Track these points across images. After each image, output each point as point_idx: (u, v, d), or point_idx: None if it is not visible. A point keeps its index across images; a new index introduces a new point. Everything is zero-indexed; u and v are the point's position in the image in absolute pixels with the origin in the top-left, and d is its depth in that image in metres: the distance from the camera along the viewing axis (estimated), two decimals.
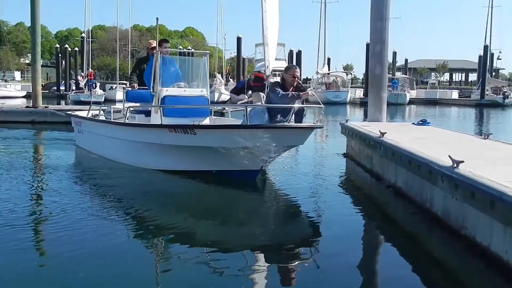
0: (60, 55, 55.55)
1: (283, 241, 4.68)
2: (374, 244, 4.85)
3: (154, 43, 9.04)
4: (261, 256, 4.28)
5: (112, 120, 9.02)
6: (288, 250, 4.42)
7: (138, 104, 8.90)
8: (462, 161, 4.60)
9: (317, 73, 47.86)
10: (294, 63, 53.99)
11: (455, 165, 4.61)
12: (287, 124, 7.02)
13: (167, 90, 8.09)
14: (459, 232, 4.48)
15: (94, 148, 9.76)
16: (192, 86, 8.63)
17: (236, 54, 48.71)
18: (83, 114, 10.86)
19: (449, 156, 4.73)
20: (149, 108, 8.41)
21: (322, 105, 7.21)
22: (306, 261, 4.21)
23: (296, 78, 7.44)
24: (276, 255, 4.29)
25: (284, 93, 7.14)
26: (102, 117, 9.86)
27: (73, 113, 11.82)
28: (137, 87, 9.17)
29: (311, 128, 6.95)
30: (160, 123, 7.45)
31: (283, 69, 7.86)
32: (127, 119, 8.39)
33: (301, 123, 7.17)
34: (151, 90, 8.22)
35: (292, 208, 6.16)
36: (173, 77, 8.54)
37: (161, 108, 7.63)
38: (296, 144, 7.41)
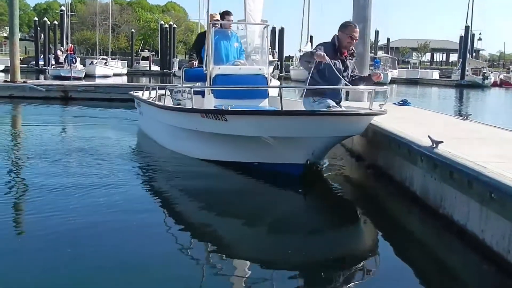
0: (39, 28, 54.53)
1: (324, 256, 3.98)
2: (353, 222, 4.91)
3: (217, 16, 8.22)
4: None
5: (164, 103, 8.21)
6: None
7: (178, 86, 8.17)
8: (441, 142, 4.66)
9: (300, 51, 47.53)
10: (277, 41, 53.75)
11: (434, 145, 4.66)
12: (337, 110, 5.73)
13: (219, 68, 7.20)
14: (437, 211, 4.55)
15: (147, 131, 9.09)
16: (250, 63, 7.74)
17: None
18: (147, 94, 9.43)
19: (429, 136, 4.78)
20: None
21: (387, 87, 6.38)
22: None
23: (354, 41, 6.15)
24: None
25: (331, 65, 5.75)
26: (168, 98, 8.69)
27: (134, 93, 10.87)
28: (197, 64, 8.17)
29: (370, 115, 5.83)
30: (212, 105, 6.58)
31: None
32: (184, 100, 7.67)
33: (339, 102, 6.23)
34: (204, 68, 7.41)
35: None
36: (235, 54, 7.73)
37: (210, 88, 6.92)
38: (351, 134, 6.21)
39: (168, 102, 8.42)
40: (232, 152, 6.22)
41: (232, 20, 8.06)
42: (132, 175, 6.26)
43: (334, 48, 6.06)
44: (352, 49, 6.25)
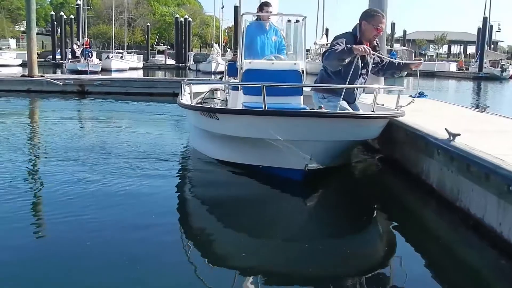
0: (55, 22, 55.01)
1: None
2: (368, 217, 4.89)
3: (264, 7, 7.43)
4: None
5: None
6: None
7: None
8: (458, 134, 4.62)
9: (315, 43, 47.51)
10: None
11: (451, 138, 4.63)
12: (328, 112, 5.01)
13: (250, 62, 6.74)
14: (454, 204, 4.52)
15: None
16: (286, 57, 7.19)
17: (233, 23, 48.28)
18: (199, 89, 8.66)
19: (445, 129, 4.75)
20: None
21: (403, 88, 5.96)
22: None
23: (381, 33, 5.49)
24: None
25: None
26: (221, 93, 8.34)
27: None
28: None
29: (383, 118, 5.39)
30: (241, 102, 6.22)
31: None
32: (225, 95, 7.33)
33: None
34: (237, 63, 6.96)
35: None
36: (272, 48, 7.23)
37: (238, 84, 6.53)
38: (357, 139, 5.62)
39: (222, 97, 8.20)
40: (236, 153, 5.82)
41: (271, 12, 7.39)
42: (147, 175, 5.74)
43: (355, 40, 5.42)
44: (376, 42, 5.65)
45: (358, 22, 5.53)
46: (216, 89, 8.81)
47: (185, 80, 6.27)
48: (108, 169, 5.93)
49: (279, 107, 5.48)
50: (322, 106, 5.25)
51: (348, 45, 5.22)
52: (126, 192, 5.04)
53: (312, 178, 5.27)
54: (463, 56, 60.98)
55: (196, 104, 7.76)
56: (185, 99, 6.48)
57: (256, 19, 7.43)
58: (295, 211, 4.85)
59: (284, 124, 4.95)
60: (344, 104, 5.47)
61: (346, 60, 5.32)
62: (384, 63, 5.85)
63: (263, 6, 7.31)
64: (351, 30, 5.61)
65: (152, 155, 6.73)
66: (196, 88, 8.49)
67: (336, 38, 5.53)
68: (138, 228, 4.13)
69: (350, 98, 5.72)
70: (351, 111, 5.47)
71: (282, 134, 5.01)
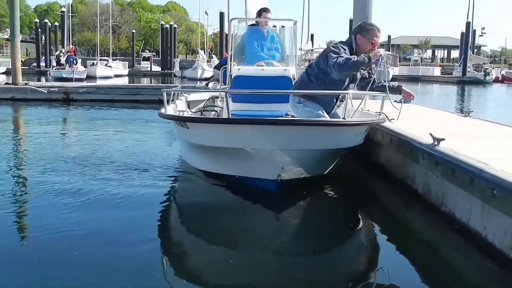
0: (39, 30, 54.61)
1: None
2: (354, 221, 4.90)
3: (263, 13, 7.24)
4: None
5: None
6: None
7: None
8: (443, 139, 4.65)
9: (301, 49, 47.58)
10: None
11: (436, 142, 4.66)
12: (306, 119, 4.90)
13: (239, 69, 6.63)
14: (439, 209, 4.55)
15: None
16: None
17: (219, 30, 48.33)
18: (199, 97, 8.63)
19: (430, 134, 4.78)
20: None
21: (386, 94, 5.38)
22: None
23: (376, 47, 5.24)
24: None
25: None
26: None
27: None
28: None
29: (357, 126, 5.15)
30: (230, 110, 5.91)
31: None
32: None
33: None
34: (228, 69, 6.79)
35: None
36: (271, 54, 7.08)
37: (226, 91, 6.24)
38: (340, 147, 5.31)
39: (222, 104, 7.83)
40: (212, 163, 5.60)
41: (270, 17, 7.20)
42: (129, 185, 5.63)
43: (352, 51, 5.25)
44: None
45: (352, 35, 5.39)
46: (217, 97, 8.60)
47: (165, 89, 6.04)
48: (92, 179, 5.86)
49: (261, 114, 5.42)
50: (289, 113, 4.94)
51: (364, 55, 5.04)
52: (107, 204, 4.94)
53: (292, 188, 5.07)
54: (438, 60, 61.70)
55: (194, 112, 7.71)
56: (166, 108, 6.21)
57: (254, 24, 7.35)
58: (275, 222, 4.74)
59: (250, 133, 4.66)
60: (318, 110, 5.30)
61: (364, 72, 5.33)
62: (371, 79, 5.52)
63: (261, 12, 7.22)
64: (344, 41, 5.39)
65: (136, 164, 6.63)
66: (195, 96, 8.50)
67: (336, 46, 5.21)
68: (117, 241, 4.05)
69: (329, 107, 5.46)
70: (323, 118, 5.20)
71: (249, 143, 4.77)
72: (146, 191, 5.44)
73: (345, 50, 5.14)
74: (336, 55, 5.00)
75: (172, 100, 7.04)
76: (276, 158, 4.75)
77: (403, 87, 5.32)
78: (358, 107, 5.31)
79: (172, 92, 6.65)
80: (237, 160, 5.09)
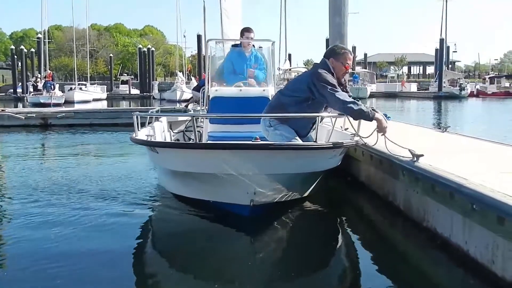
0: (15, 56, 54.25)
1: None
2: (336, 237, 4.90)
3: (245, 33, 7.20)
4: None
5: None
6: None
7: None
8: (422, 155, 4.70)
9: (279, 69, 48.02)
10: None
11: (415, 159, 4.70)
12: (270, 143, 4.71)
13: (216, 90, 6.52)
14: (421, 224, 4.57)
15: None
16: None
17: (197, 51, 48.52)
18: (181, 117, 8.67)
19: (409, 150, 4.82)
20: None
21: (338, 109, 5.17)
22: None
23: (350, 70, 5.31)
24: None
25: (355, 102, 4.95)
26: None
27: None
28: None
29: (334, 148, 4.98)
30: (207, 132, 6.05)
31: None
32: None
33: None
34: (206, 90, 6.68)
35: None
36: (253, 75, 6.98)
37: (206, 112, 6.31)
38: (314, 170, 5.22)
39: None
40: (186, 187, 5.44)
41: (252, 37, 7.14)
42: (106, 214, 5.46)
43: (333, 76, 5.16)
44: (344, 79, 5.41)
45: (325, 58, 5.31)
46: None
47: (136, 113, 5.97)
48: (68, 207, 5.68)
49: (239, 136, 5.35)
50: (258, 137, 4.62)
51: (372, 109, 5.00)
52: (82, 234, 4.78)
53: (267, 211, 4.92)
54: (405, 76, 62.70)
55: (176, 133, 7.59)
56: (136, 132, 6.02)
57: (238, 45, 7.31)
58: (251, 247, 4.59)
59: (218, 158, 4.48)
60: (290, 133, 5.19)
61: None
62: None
63: (244, 32, 7.19)
64: (323, 66, 5.21)
65: (113, 191, 6.48)
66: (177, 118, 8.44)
67: (325, 77, 5.03)
68: (89, 274, 3.93)
69: (303, 130, 5.28)
70: (295, 142, 5.07)
71: (218, 168, 4.57)
72: (121, 218, 5.31)
73: (333, 79, 5.08)
74: (335, 89, 4.94)
75: (150, 123, 6.96)
76: (247, 183, 4.59)
77: (377, 115, 5.01)
78: (316, 132, 5.01)
79: (148, 116, 6.62)
80: (209, 185, 4.93)
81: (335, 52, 5.31)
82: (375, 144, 5.33)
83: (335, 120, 5.89)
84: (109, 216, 5.33)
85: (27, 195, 6.35)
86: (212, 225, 5.12)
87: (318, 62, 5.46)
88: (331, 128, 6.32)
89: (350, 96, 5.18)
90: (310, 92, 5.09)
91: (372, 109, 5.07)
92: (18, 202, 6.03)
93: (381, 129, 5.08)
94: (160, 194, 6.33)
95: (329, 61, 5.24)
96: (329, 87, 4.96)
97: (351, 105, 4.93)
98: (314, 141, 4.84)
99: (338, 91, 4.99)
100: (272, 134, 5.26)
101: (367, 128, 5.45)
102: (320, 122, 5.18)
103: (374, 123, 5.11)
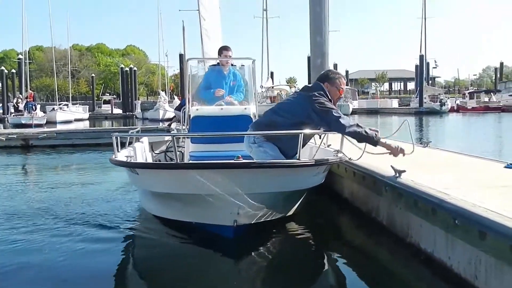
0: None
1: None
2: (321, 256, 4.89)
3: (223, 51, 7.21)
4: None
5: None
6: None
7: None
8: (404, 171, 4.73)
9: (262, 87, 48.34)
10: None
11: (397, 174, 4.73)
12: (252, 161, 4.64)
13: (197, 109, 6.44)
14: (405, 240, 4.58)
15: None
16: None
17: (179, 71, 48.63)
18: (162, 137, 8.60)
19: (391, 166, 4.85)
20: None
21: (342, 133, 5.19)
22: None
23: (342, 94, 5.45)
24: None
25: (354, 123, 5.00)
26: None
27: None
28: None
29: (318, 165, 4.98)
30: (189, 151, 5.97)
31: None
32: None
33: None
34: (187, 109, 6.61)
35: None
36: (232, 93, 6.98)
37: (186, 131, 6.27)
38: (297, 189, 5.16)
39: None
40: (167, 208, 5.30)
41: (230, 56, 7.15)
42: (87, 240, 5.31)
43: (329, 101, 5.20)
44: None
45: (319, 82, 5.34)
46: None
47: (114, 133, 5.77)
48: (47, 232, 5.50)
49: (221, 155, 5.24)
50: (240, 156, 4.54)
51: (376, 134, 5.07)
52: (61, 261, 4.63)
53: (251, 231, 4.79)
54: (378, 93, 63.62)
55: (157, 154, 7.46)
56: (115, 153, 5.80)
57: (216, 64, 7.31)
58: (234, 269, 4.47)
59: (199, 178, 4.35)
60: (274, 151, 5.10)
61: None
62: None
63: (222, 50, 7.20)
64: (319, 89, 5.20)
65: (94, 214, 6.30)
66: (159, 137, 8.38)
67: (323, 102, 5.05)
68: None
69: (290, 151, 5.03)
70: (277, 160, 4.92)
71: (199, 188, 4.43)
72: (100, 243, 5.17)
73: (330, 104, 5.11)
74: (338, 113, 4.99)
75: (130, 143, 6.86)
76: (230, 203, 4.47)
77: (381, 140, 5.10)
78: (299, 149, 4.76)
79: (128, 136, 6.55)
80: (191, 206, 4.82)
81: (329, 77, 5.36)
82: (357, 159, 5.36)
83: (325, 136, 5.85)
84: (89, 241, 5.18)
85: (3, 220, 6.15)
86: (195, 247, 5.02)
87: (309, 84, 5.50)
88: (314, 145, 6.34)
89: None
90: (308, 117, 5.07)
91: (374, 131, 5.13)
92: None
93: (394, 153, 5.16)
94: (141, 216, 6.22)
95: (324, 85, 5.28)
96: (332, 111, 4.99)
97: (356, 128, 4.98)
98: (297, 159, 4.75)
99: (341, 116, 5.02)
100: (256, 151, 5.20)
101: (349, 144, 5.49)
102: (308, 140, 5.14)
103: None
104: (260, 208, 4.77)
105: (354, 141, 5.22)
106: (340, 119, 4.97)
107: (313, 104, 5.05)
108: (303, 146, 4.90)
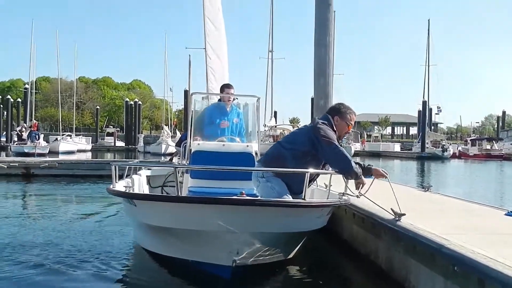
0: (1, 106, 54.38)
1: None
2: None
3: (225, 89, 7.29)
4: None
5: None
6: None
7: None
8: (404, 214, 4.71)
9: (265, 125, 48.59)
10: None
11: (397, 217, 4.72)
12: (257, 199, 4.55)
13: (198, 144, 6.41)
14: (403, 285, 4.53)
15: None
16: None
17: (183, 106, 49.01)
18: (161, 172, 8.53)
19: (391, 209, 4.84)
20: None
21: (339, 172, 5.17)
22: None
23: (351, 129, 5.47)
24: None
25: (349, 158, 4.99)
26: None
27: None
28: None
29: (317, 207, 4.91)
30: (188, 186, 5.85)
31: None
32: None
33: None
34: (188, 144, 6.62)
35: None
36: (234, 130, 7.01)
37: (186, 166, 6.26)
38: (300, 230, 5.00)
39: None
40: (162, 244, 5.09)
41: (232, 93, 7.20)
42: (83, 278, 5.12)
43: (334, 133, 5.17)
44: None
45: (328, 115, 5.33)
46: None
47: (113, 163, 5.72)
48: (42, 269, 5.28)
49: (220, 192, 5.10)
50: (243, 192, 4.34)
51: (370, 166, 5.18)
52: None
53: (250, 273, 4.60)
54: (365, 136, 64.01)
55: (154, 188, 7.37)
56: (113, 183, 5.69)
57: (219, 100, 7.34)
58: None
59: (200, 213, 4.23)
60: (281, 188, 5.04)
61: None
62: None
63: (224, 88, 7.24)
64: (326, 122, 5.19)
65: (89, 249, 6.15)
66: (157, 171, 8.32)
67: (327, 130, 5.07)
68: None
69: (297, 187, 4.95)
70: (285, 197, 4.89)
71: (199, 224, 4.31)
72: (92, 281, 5.00)
73: (334, 135, 5.09)
74: (338, 146, 4.99)
75: (128, 175, 6.80)
76: (229, 242, 4.29)
77: (373, 167, 5.20)
78: (305, 188, 4.70)
79: (128, 167, 6.52)
80: (188, 243, 4.62)
81: (340, 111, 5.32)
82: (358, 196, 5.26)
83: (330, 177, 5.80)
84: (80, 280, 5.01)
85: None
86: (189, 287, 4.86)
87: (317, 118, 5.48)
88: (317, 187, 6.29)
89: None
90: (311, 145, 5.05)
91: (368, 166, 5.22)
92: None
93: (356, 186, 5.12)
94: (135, 251, 6.11)
95: (333, 119, 5.25)
96: (334, 143, 4.96)
97: (350, 165, 4.95)
98: (302, 198, 4.63)
99: (341, 149, 5.00)
100: (263, 185, 5.12)
101: (351, 186, 5.48)
102: (315, 179, 5.06)
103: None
104: (261, 249, 4.60)
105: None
106: (339, 153, 4.94)
107: (316, 132, 5.03)
108: (309, 183, 4.84)
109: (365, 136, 59.30)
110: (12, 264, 5.42)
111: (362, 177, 5.06)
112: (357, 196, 5.27)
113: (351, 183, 5.32)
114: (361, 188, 5.11)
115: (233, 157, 6.21)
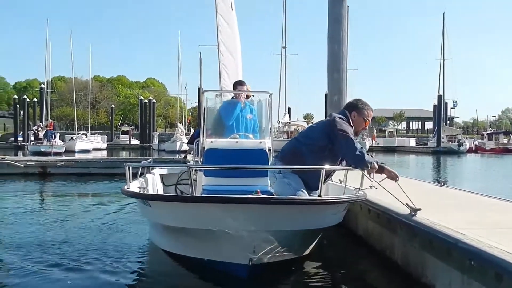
0: (18, 106, 54.95)
1: None
2: None
3: (238, 86, 7.24)
4: None
5: None
6: None
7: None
8: (419, 209, 4.68)
9: (279, 122, 48.59)
10: None
11: (413, 213, 4.68)
12: (273, 197, 4.54)
13: (211, 141, 6.33)
14: (420, 280, 4.50)
15: None
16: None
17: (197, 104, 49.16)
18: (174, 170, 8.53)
19: (407, 204, 4.81)
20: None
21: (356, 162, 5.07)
22: None
23: (367, 125, 5.46)
24: None
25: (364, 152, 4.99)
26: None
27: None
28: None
29: (332, 204, 4.84)
30: (202, 184, 5.84)
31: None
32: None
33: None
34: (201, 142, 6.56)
35: None
36: (248, 126, 6.92)
37: (200, 164, 6.19)
38: (317, 227, 4.97)
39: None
40: (178, 244, 5.09)
41: (246, 89, 7.13)
42: (98, 271, 5.25)
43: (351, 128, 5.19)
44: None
45: (346, 110, 5.33)
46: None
47: (128, 163, 5.66)
48: (57, 267, 5.35)
49: (234, 189, 5.06)
50: (259, 190, 4.32)
51: (383, 164, 5.14)
52: None
53: (266, 272, 4.54)
54: (375, 131, 63.75)
55: (168, 186, 7.37)
56: (128, 184, 5.63)
57: (232, 97, 7.31)
58: None
59: (216, 212, 4.21)
60: (298, 184, 5.04)
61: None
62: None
63: (236, 85, 7.21)
64: (343, 117, 5.20)
65: (105, 247, 6.20)
66: (171, 169, 8.34)
67: (344, 123, 5.08)
68: None
69: (313, 183, 4.87)
70: (301, 194, 4.90)
71: (215, 223, 4.27)
72: (108, 278, 5.04)
73: (351, 129, 5.10)
74: (354, 140, 4.98)
75: (142, 174, 6.79)
76: (246, 241, 4.25)
77: (386, 167, 5.15)
78: (321, 185, 4.64)
79: (141, 166, 6.52)
80: (204, 242, 4.57)
81: (357, 106, 5.33)
82: (375, 187, 5.20)
83: (345, 174, 5.68)
84: (95, 277, 5.04)
85: (15, 248, 6.11)
86: (206, 287, 4.86)
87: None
88: (333, 183, 6.24)
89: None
90: (328, 140, 5.05)
91: (381, 164, 5.15)
92: (7, 259, 5.68)
93: (369, 172, 5.08)
94: (150, 250, 6.12)
95: (350, 114, 5.26)
96: (350, 137, 4.96)
97: (364, 157, 4.95)
98: (319, 195, 4.59)
99: (357, 144, 5.00)
100: (279, 181, 5.13)
101: (366, 180, 5.43)
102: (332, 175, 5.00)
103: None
104: (277, 247, 4.56)
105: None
106: (355, 147, 4.94)
107: (333, 125, 5.04)
108: (326, 179, 4.81)
109: (375, 131, 58.80)
110: (33, 262, 5.50)
111: (375, 164, 5.03)
112: (374, 187, 5.22)
113: (366, 180, 5.29)
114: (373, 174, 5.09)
115: (247, 154, 6.13)
